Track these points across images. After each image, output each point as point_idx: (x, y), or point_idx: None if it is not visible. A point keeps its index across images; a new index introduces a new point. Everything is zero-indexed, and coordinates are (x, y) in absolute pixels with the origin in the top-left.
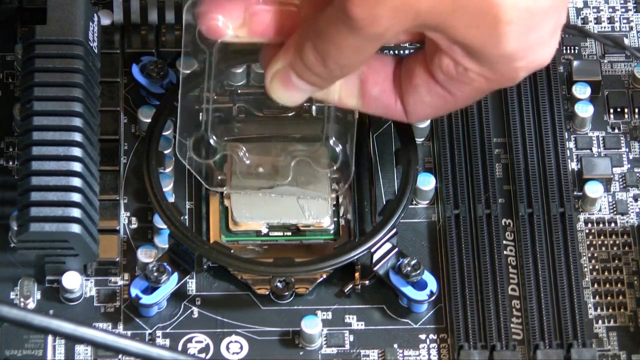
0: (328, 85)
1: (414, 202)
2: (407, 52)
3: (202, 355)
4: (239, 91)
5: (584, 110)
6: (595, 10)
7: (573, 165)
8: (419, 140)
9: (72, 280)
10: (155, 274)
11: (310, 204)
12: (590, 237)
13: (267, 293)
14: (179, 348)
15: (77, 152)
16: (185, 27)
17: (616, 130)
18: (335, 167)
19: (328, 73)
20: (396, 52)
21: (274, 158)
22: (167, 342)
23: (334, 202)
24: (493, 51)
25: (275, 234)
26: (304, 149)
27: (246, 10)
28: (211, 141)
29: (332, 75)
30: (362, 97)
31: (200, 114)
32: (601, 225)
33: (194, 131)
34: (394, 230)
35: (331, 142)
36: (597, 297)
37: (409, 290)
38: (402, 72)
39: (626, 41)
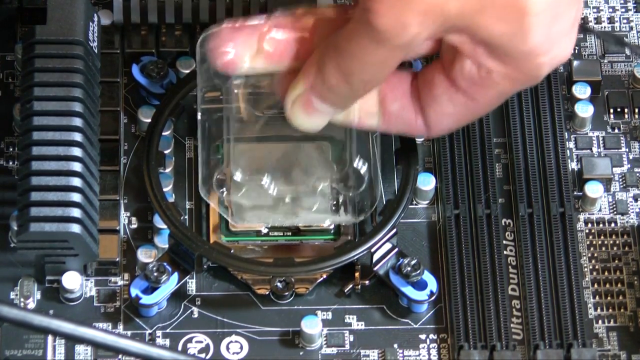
0: (350, 105)
1: (414, 202)
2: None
3: (202, 355)
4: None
5: (584, 110)
6: (595, 10)
7: (573, 165)
8: (419, 140)
9: (72, 280)
10: (155, 274)
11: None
12: (590, 237)
13: (267, 293)
14: (179, 348)
15: (77, 152)
16: (199, 64)
17: (616, 130)
18: (362, 189)
19: (352, 92)
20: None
21: (297, 187)
22: (167, 342)
23: (334, 202)
24: (519, 46)
25: (275, 234)
26: (327, 175)
27: (259, 39)
28: (235, 177)
29: (355, 94)
30: (382, 115)
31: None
32: (601, 225)
33: (216, 167)
34: (394, 230)
35: (355, 163)
36: (597, 297)
37: (409, 290)
38: (420, 85)
39: (625, 40)
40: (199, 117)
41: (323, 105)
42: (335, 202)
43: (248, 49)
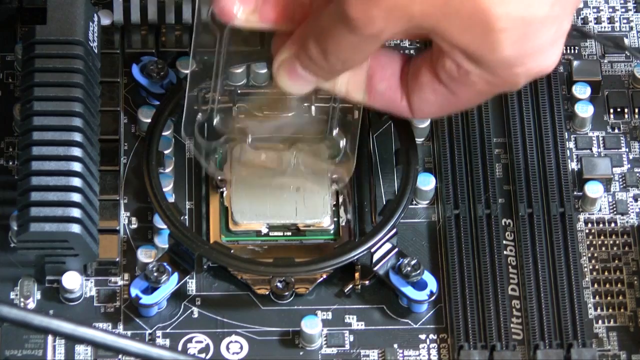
0: (332, 77)
1: (414, 202)
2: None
3: (202, 355)
4: (239, 91)
5: (584, 110)
6: (595, 10)
7: (573, 165)
8: (419, 140)
9: (72, 280)
10: (155, 274)
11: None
12: (590, 237)
13: (267, 293)
14: (179, 348)
15: (77, 152)
16: (198, 8)
17: (616, 130)
18: (337, 160)
19: (330, 67)
20: (409, 51)
21: (277, 146)
22: (167, 342)
23: (334, 202)
24: (490, 56)
25: (275, 234)
26: (308, 140)
27: None
28: (216, 124)
29: (334, 69)
30: (368, 92)
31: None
32: (601, 225)
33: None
34: (394, 230)
35: (334, 133)
36: (597, 297)
37: (409, 290)
38: (409, 71)
39: (626, 41)
40: (190, 61)
41: (305, 73)
42: (334, 202)
43: (247, 3)
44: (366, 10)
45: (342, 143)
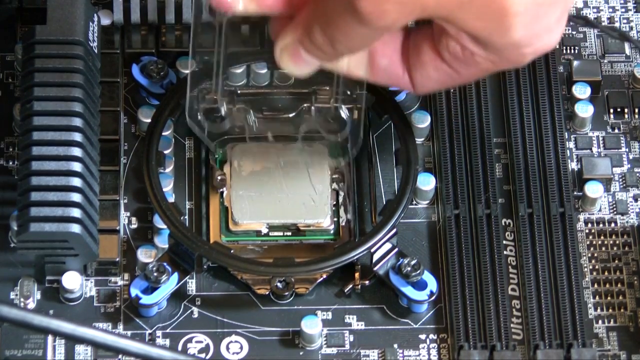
0: (336, 60)
1: (414, 202)
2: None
3: (202, 355)
4: (239, 91)
5: (584, 110)
6: (595, 10)
7: (573, 165)
8: (419, 140)
9: (72, 280)
10: (155, 274)
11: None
12: (590, 237)
13: (267, 293)
14: (179, 348)
15: (77, 152)
16: (195, 5)
17: (616, 130)
18: (344, 133)
19: (336, 53)
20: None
21: (277, 145)
22: (167, 342)
23: (334, 202)
24: (500, 40)
25: (275, 234)
26: (308, 139)
27: None
28: (222, 109)
29: (340, 54)
30: (370, 67)
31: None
32: (601, 225)
33: (203, 99)
34: (394, 230)
35: (339, 106)
36: (597, 297)
37: (409, 290)
38: (410, 47)
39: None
40: (190, 52)
41: (309, 57)
42: (334, 202)
43: None
44: (377, 3)
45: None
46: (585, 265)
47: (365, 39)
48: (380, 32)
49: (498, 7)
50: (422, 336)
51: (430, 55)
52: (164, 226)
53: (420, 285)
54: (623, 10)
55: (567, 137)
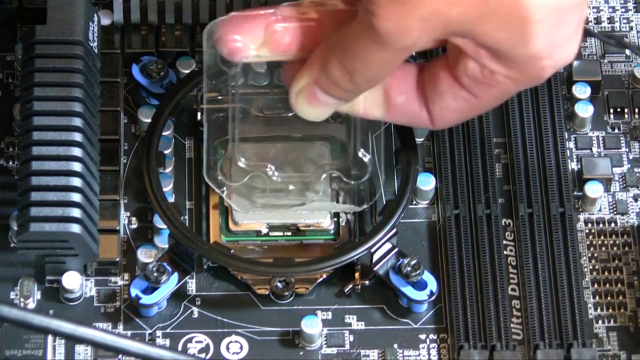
0: (354, 97)
1: (414, 202)
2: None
3: (202, 355)
4: (239, 91)
5: (584, 110)
6: (595, 10)
7: (573, 165)
8: (419, 140)
9: (72, 280)
10: (155, 274)
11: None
12: (590, 237)
13: (267, 293)
14: (179, 348)
15: (77, 152)
16: (205, 54)
17: (616, 130)
18: (365, 179)
19: (355, 87)
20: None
21: (303, 174)
22: (167, 342)
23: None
24: (521, 52)
25: (275, 234)
26: (333, 163)
27: (266, 28)
28: (240, 164)
29: (359, 89)
30: (387, 106)
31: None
32: (601, 225)
33: (220, 155)
34: (394, 230)
35: (360, 153)
36: (597, 297)
37: (409, 290)
38: (425, 79)
39: (626, 41)
40: (204, 108)
41: (327, 97)
42: (336, 192)
43: (255, 37)
44: (399, 22)
45: (367, 160)
46: (585, 265)
47: (385, 65)
48: (401, 55)
49: (520, 16)
50: (422, 336)
51: (448, 83)
52: (164, 226)
53: (420, 285)
54: (623, 10)
55: (567, 137)
